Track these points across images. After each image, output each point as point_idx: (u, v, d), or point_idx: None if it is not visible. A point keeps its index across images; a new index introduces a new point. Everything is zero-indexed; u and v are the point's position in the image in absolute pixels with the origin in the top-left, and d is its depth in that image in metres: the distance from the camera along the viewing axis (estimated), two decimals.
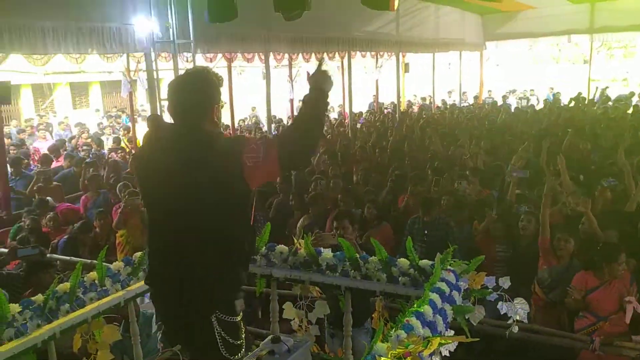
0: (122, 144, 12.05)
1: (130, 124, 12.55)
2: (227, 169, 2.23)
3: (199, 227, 2.30)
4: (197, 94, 2.34)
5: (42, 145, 11.88)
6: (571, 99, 14.59)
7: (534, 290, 4.70)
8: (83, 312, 2.95)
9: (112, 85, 21.10)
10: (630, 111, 13.95)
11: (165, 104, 7.11)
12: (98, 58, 9.94)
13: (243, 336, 2.46)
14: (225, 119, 13.89)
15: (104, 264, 3.19)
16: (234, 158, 2.23)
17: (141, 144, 2.37)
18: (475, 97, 19.04)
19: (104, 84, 21.74)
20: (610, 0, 15.03)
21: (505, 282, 2.96)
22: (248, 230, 2.48)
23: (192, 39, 6.70)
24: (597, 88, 16.35)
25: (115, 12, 6.22)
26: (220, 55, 10.75)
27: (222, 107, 2.48)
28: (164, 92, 7.62)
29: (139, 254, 3.43)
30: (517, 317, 2.94)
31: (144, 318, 4.10)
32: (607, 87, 17.73)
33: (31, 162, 10.23)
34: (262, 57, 10.16)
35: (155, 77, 6.83)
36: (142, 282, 3.35)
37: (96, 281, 3.11)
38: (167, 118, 2.56)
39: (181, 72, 6.79)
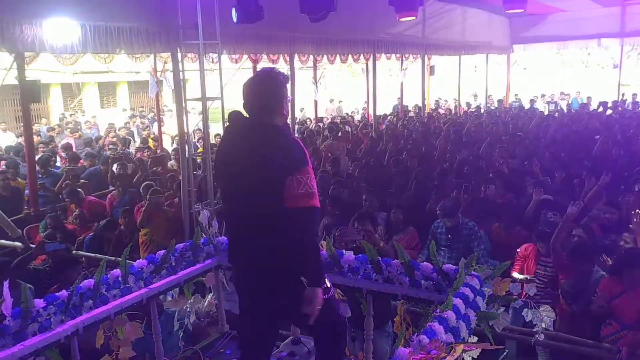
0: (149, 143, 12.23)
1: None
2: (282, 162, 2.54)
3: (259, 206, 2.61)
4: (267, 92, 2.67)
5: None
6: (600, 104, 14.31)
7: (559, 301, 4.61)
8: (106, 309, 2.97)
9: (139, 85, 21.41)
10: None
11: (190, 103, 7.23)
12: (126, 58, 10.13)
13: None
14: None
15: (127, 261, 3.21)
16: (291, 157, 2.55)
17: (222, 136, 3.06)
18: (499, 101, 18.75)
19: (131, 83, 22.06)
20: None
21: (531, 289, 2.91)
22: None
23: (218, 39, 6.74)
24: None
25: (142, 12, 6.28)
26: (245, 56, 10.82)
27: (289, 101, 2.81)
28: (189, 92, 7.74)
29: (162, 252, 3.45)
30: (543, 325, 2.89)
31: (166, 316, 4.12)
32: (635, 94, 17.39)
33: (58, 159, 10.39)
34: (287, 59, 10.18)
35: (181, 77, 6.87)
36: (164, 280, 3.38)
37: (119, 278, 3.14)
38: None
39: (207, 72, 6.91)
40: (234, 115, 2.83)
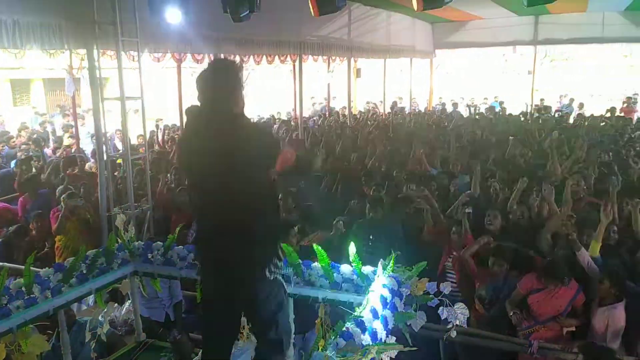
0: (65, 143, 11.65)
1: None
2: (259, 143, 2.68)
3: (235, 192, 2.66)
4: (223, 81, 2.72)
5: None
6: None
7: (474, 306, 4.77)
8: (7, 321, 2.77)
9: (55, 83, 20.34)
10: (571, 121, 14.56)
11: (108, 103, 6.92)
12: (40, 54, 9.57)
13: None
14: (176, 120, 13.61)
15: (33, 269, 3.02)
16: (272, 138, 2.87)
17: (184, 131, 3.34)
18: (402, 108, 19.23)
19: (47, 81, 20.96)
20: (554, 13, 15.57)
21: (446, 288, 2.98)
22: (275, 197, 2.90)
23: (137, 37, 6.50)
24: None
25: (56, 6, 5.95)
26: (169, 55, 10.52)
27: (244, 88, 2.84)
28: (110, 91, 7.38)
29: (71, 259, 3.28)
30: (457, 322, 2.96)
31: (78, 326, 3.92)
32: (542, 99, 18.51)
33: None
34: (212, 59, 9.98)
35: (98, 75, 6.56)
36: (74, 290, 3.20)
37: (23, 288, 2.94)
38: None
39: (125, 71, 6.64)
40: (194, 109, 2.83)
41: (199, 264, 3.08)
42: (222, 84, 2.72)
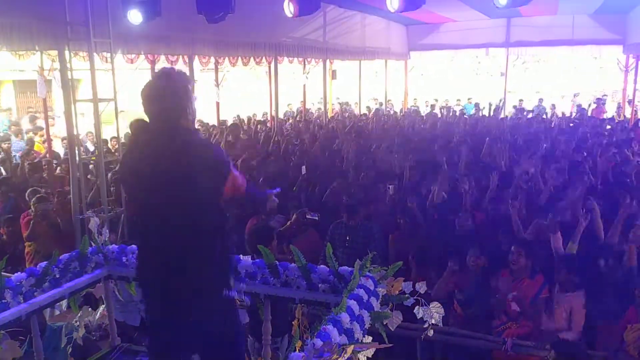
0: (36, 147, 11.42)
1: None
2: (209, 162, 2.49)
3: (180, 215, 2.49)
4: (170, 94, 2.50)
5: None
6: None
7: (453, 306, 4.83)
8: None
9: (26, 85, 19.94)
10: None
11: (80, 105, 6.81)
12: (9, 55, 9.38)
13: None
14: None
15: (4, 274, 2.97)
16: (220, 157, 2.56)
17: (127, 146, 2.90)
18: (377, 109, 19.37)
19: (17, 83, 20.54)
20: (525, 16, 15.85)
21: (422, 287, 3.01)
22: (223, 219, 2.65)
23: (110, 38, 6.42)
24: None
25: (26, 6, 5.85)
26: (142, 56, 10.41)
27: (195, 100, 2.67)
28: (83, 92, 7.29)
29: (44, 264, 3.22)
30: (433, 321, 3.00)
31: (51, 331, 3.85)
32: (521, 100, 18.84)
33: None
34: (187, 60, 9.92)
35: (70, 77, 6.46)
36: (47, 294, 3.15)
37: None
38: None
39: (98, 72, 6.55)
40: (139, 124, 2.60)
41: (142, 292, 2.83)
42: (169, 97, 2.50)
